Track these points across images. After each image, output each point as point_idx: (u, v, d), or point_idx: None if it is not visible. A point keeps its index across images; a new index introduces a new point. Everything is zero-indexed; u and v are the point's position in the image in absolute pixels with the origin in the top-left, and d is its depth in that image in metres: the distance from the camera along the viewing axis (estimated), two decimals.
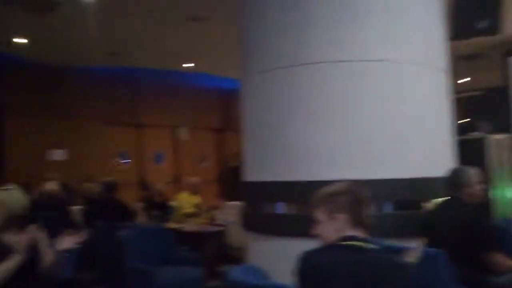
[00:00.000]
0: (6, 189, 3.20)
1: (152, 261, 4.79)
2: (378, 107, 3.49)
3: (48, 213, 5.65)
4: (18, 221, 3.18)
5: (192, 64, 11.09)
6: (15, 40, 8.82)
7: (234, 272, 2.73)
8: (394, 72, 3.54)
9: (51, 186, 7.25)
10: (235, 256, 7.50)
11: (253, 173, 3.94)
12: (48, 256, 3.17)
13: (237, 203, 8.60)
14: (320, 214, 2.10)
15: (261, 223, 3.77)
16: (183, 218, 7.09)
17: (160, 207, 7.19)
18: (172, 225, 6.69)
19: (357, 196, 2.08)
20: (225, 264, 6.98)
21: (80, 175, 9.77)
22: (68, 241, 3.17)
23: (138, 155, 11.97)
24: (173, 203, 7.67)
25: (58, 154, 10.56)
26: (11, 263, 2.95)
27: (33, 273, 3.05)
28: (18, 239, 3.12)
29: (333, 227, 2.05)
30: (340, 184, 2.14)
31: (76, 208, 7.68)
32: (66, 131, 10.65)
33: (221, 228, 6.96)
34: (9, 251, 3.04)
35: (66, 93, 10.69)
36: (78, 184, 9.06)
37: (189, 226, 6.72)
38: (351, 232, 2.03)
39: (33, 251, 3.06)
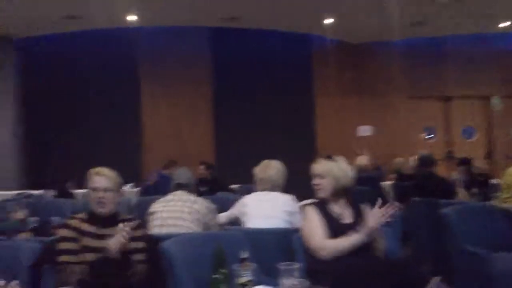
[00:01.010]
0: (334, 160, 3.11)
1: (482, 244, 4.18)
2: None
3: (361, 188, 5.61)
4: (345, 193, 3.08)
5: (508, 23, 9.80)
6: (324, 21, 9.15)
7: None
8: None
9: (362, 161, 7.32)
10: None
11: None
12: (381, 239, 2.97)
13: None
14: None
15: None
16: None
17: (480, 185, 6.46)
18: (498, 204, 5.90)
19: None
20: None
21: (386, 151, 9.81)
22: (381, 215, 2.88)
23: (446, 128, 11.36)
24: (497, 180, 6.84)
25: (365, 130, 10.78)
26: (350, 241, 2.83)
27: (367, 252, 2.86)
28: (342, 212, 3.03)
29: None
30: None
31: (386, 184, 7.57)
32: (373, 107, 10.83)
33: None
34: (342, 224, 2.92)
35: (370, 70, 10.83)
36: (385, 159, 8.99)
37: None
38: None
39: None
